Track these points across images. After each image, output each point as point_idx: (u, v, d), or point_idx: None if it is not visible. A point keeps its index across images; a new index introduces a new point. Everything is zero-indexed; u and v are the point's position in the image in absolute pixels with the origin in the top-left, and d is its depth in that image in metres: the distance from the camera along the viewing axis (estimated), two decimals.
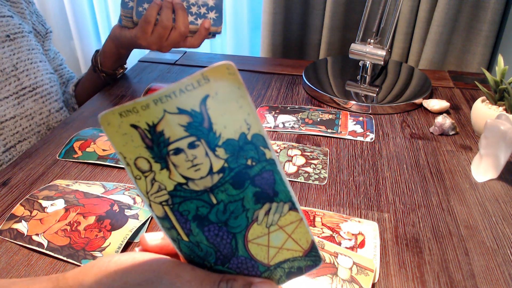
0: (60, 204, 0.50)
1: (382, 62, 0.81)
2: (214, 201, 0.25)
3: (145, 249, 0.30)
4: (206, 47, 1.36)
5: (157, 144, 0.23)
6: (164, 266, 0.27)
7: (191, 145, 0.24)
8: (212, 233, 0.26)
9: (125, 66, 0.89)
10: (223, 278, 0.26)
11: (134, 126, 0.23)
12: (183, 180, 0.25)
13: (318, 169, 0.60)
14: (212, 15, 0.75)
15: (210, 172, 0.24)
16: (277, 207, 0.25)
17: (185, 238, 0.26)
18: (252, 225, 0.26)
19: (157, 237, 0.30)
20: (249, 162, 0.24)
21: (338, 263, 0.42)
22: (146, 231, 0.49)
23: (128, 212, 0.49)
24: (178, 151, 0.24)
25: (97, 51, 0.85)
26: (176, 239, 0.26)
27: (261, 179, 0.25)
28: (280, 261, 0.27)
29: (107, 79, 0.86)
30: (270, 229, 0.26)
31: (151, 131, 0.23)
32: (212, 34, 0.78)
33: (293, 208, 0.25)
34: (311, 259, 0.27)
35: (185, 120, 0.23)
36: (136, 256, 0.28)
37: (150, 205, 0.25)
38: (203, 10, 0.74)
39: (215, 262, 0.27)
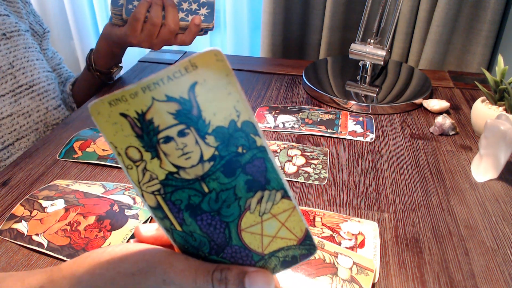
0: (60, 204, 0.51)
1: (382, 62, 0.81)
2: (206, 189, 0.25)
3: (139, 240, 0.30)
4: (206, 47, 1.36)
5: (146, 133, 0.23)
6: (157, 256, 0.27)
7: (181, 133, 0.23)
8: (205, 222, 0.26)
9: (120, 65, 0.88)
10: (217, 268, 0.26)
11: (124, 115, 0.23)
12: (174, 169, 0.24)
13: (318, 169, 0.60)
14: (203, 11, 0.74)
15: (201, 160, 0.24)
16: (269, 195, 0.25)
17: (178, 228, 0.26)
18: (245, 213, 0.26)
19: (151, 229, 0.30)
20: (239, 150, 0.24)
21: (338, 263, 0.42)
22: None
23: (128, 212, 0.49)
24: (168, 139, 0.24)
25: (91, 50, 0.85)
26: (170, 229, 0.26)
27: (252, 166, 0.24)
28: (274, 250, 0.27)
29: (102, 78, 0.85)
30: (263, 217, 0.26)
31: (140, 119, 0.23)
32: (203, 31, 0.77)
33: (285, 196, 0.25)
34: (305, 247, 0.27)
35: (174, 107, 0.23)
36: (129, 246, 0.28)
37: (142, 195, 0.25)
38: (194, 6, 0.74)
39: (209, 252, 0.27)
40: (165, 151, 0.24)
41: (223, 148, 0.24)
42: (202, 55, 0.22)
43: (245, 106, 0.23)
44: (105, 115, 0.23)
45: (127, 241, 0.46)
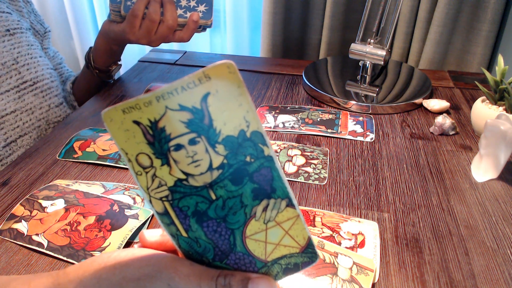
0: (60, 204, 0.51)
1: (382, 62, 0.81)
2: (213, 197, 0.25)
3: (144, 246, 0.30)
4: (206, 47, 1.36)
5: (158, 140, 0.24)
6: (163, 261, 0.27)
7: (192, 141, 0.24)
8: (210, 229, 0.26)
9: (119, 63, 0.87)
10: (221, 273, 0.26)
11: (136, 123, 0.24)
12: (183, 176, 0.25)
13: (318, 169, 0.60)
14: (201, 8, 0.74)
15: (210, 168, 0.25)
16: (274, 204, 0.26)
17: (184, 234, 0.27)
18: (250, 221, 0.26)
19: (156, 234, 0.30)
20: (247, 159, 0.25)
21: (338, 263, 0.42)
22: None
23: (128, 212, 0.49)
24: (178, 147, 0.24)
25: (90, 48, 0.84)
26: (175, 235, 0.27)
27: (259, 175, 0.25)
28: (277, 257, 0.27)
29: (101, 76, 0.85)
30: (268, 225, 0.26)
31: (152, 127, 0.24)
32: (202, 28, 0.77)
33: (290, 204, 0.26)
34: (307, 255, 0.28)
35: (186, 116, 0.23)
36: (135, 252, 0.28)
37: (150, 201, 0.26)
38: (192, 3, 0.74)
39: (213, 258, 0.27)
40: (176, 158, 0.25)
41: (232, 157, 0.25)
42: (216, 67, 0.22)
43: (255, 117, 0.24)
44: (117, 122, 0.23)
45: (127, 241, 0.46)
